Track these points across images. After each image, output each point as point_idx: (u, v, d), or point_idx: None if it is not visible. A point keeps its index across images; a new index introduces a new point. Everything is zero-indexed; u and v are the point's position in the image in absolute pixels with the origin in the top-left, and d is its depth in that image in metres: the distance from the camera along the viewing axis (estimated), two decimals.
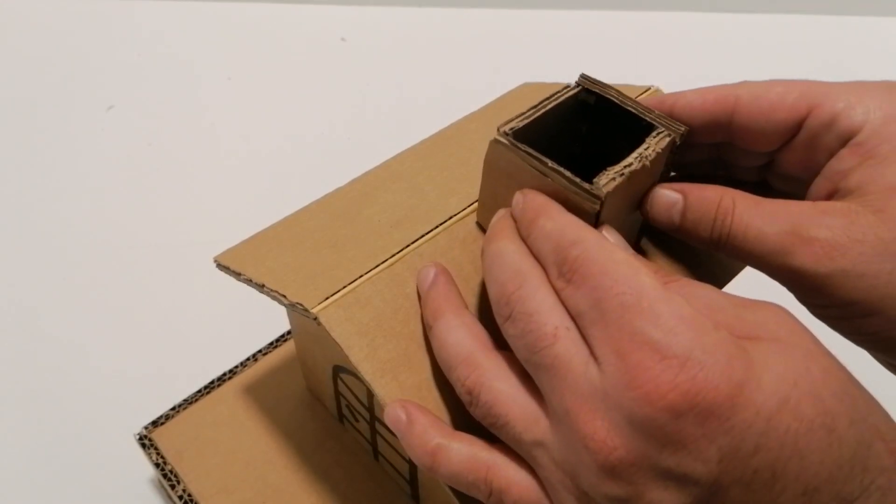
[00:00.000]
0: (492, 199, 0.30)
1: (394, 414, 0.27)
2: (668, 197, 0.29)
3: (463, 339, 0.26)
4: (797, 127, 0.28)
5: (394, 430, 0.27)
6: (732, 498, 0.21)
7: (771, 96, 0.28)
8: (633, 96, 0.29)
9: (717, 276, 0.34)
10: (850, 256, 0.25)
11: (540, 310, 0.24)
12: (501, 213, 0.29)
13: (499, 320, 0.26)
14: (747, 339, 0.22)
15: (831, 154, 0.28)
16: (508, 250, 0.26)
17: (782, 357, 0.22)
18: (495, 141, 0.28)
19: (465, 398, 0.26)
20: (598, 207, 0.26)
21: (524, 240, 0.27)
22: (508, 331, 0.25)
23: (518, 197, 0.28)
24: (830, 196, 0.28)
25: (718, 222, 0.28)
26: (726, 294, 0.24)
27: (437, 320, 0.27)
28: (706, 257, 0.34)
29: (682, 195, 0.29)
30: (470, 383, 0.25)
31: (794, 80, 0.29)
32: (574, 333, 0.24)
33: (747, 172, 0.32)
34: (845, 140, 0.28)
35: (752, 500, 0.20)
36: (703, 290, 0.24)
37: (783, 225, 0.27)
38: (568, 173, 0.26)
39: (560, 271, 0.24)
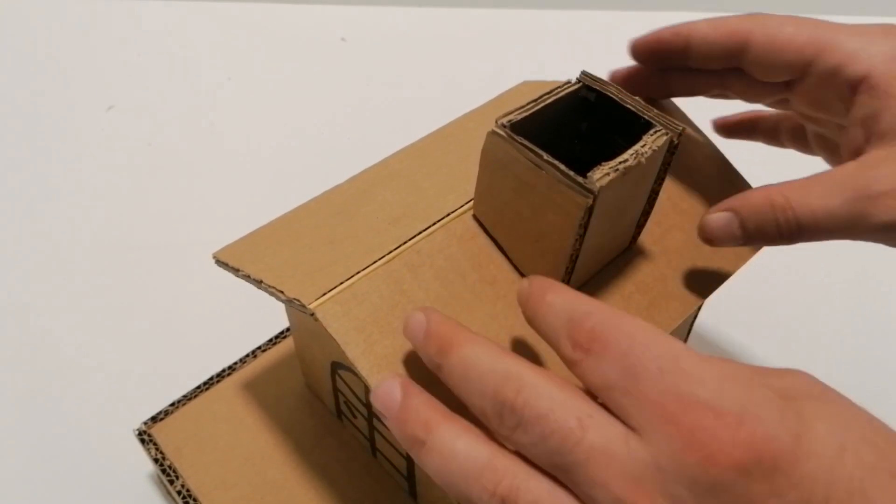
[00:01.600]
0: (488, 192, 0.31)
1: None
2: (721, 218, 0.31)
3: (474, 443, 0.23)
4: (806, 66, 0.30)
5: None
6: None
7: (782, 37, 0.30)
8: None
9: (696, 292, 0.34)
10: None
11: (554, 407, 0.22)
12: (435, 319, 0.26)
13: (502, 432, 0.23)
14: (786, 399, 0.21)
15: (840, 96, 0.30)
16: (481, 354, 0.24)
17: (826, 408, 0.21)
18: (492, 133, 0.28)
19: None
20: (590, 202, 0.26)
21: (530, 321, 0.25)
22: (521, 440, 0.22)
23: (525, 282, 0.26)
24: (867, 141, 0.29)
25: (781, 219, 0.29)
26: (747, 365, 0.23)
27: (433, 431, 0.24)
28: (674, 278, 0.34)
29: (732, 211, 0.30)
30: (503, 490, 0.22)
31: (805, 21, 0.30)
32: (601, 416, 0.22)
33: (764, 95, 0.34)
34: (853, 84, 0.29)
35: None
36: (724, 361, 0.23)
37: (845, 194, 0.28)
38: (562, 166, 0.26)
39: (576, 343, 0.23)
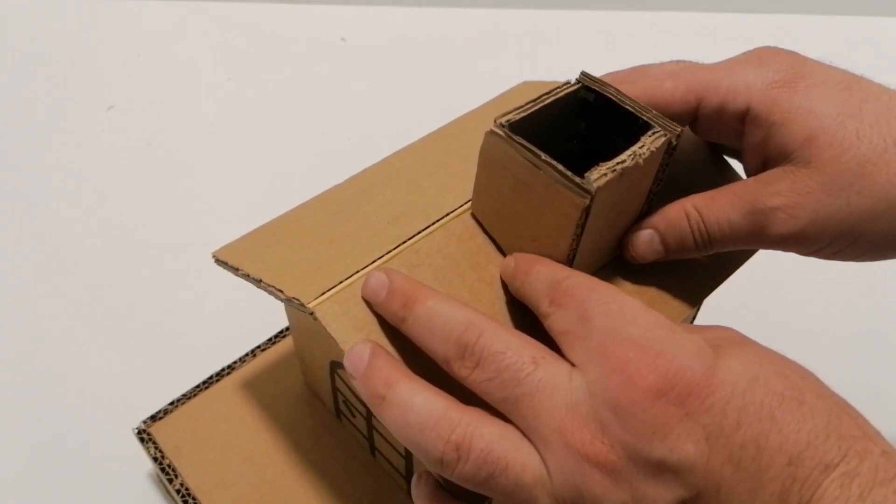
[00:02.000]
0: (486, 191, 0.31)
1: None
2: (643, 235, 0.32)
3: (431, 398, 0.25)
4: (693, 112, 0.32)
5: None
6: (727, 480, 0.21)
7: (663, 94, 0.31)
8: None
9: (694, 293, 0.34)
10: (809, 207, 0.29)
11: (511, 346, 0.25)
12: (397, 277, 0.28)
13: (462, 373, 0.25)
14: (709, 345, 0.24)
15: (733, 129, 0.32)
16: (444, 306, 0.26)
17: (743, 349, 0.24)
18: (491, 132, 0.28)
19: (450, 457, 0.24)
20: (588, 202, 0.26)
21: (517, 291, 0.29)
22: (478, 378, 0.25)
23: (509, 259, 0.30)
24: (764, 166, 0.31)
25: (696, 230, 0.31)
26: (682, 324, 0.26)
27: (393, 387, 0.25)
28: (672, 278, 0.34)
29: (652, 228, 0.32)
30: (457, 437, 0.24)
31: (681, 70, 0.32)
32: (552, 357, 0.25)
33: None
34: (740, 117, 0.31)
35: (744, 478, 0.21)
36: (662, 316, 0.26)
37: (744, 208, 0.30)
38: (560, 166, 0.26)
39: (551, 300, 0.26)
